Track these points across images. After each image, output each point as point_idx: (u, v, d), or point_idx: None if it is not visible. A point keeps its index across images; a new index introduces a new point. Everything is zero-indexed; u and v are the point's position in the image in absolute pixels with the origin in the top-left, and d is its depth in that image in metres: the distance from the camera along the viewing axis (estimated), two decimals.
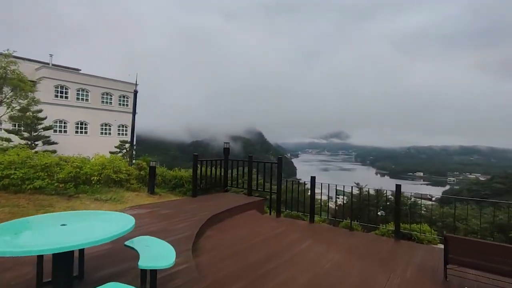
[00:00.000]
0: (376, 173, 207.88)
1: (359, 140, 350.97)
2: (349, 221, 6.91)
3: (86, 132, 40.48)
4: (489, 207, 29.86)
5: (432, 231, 6.57)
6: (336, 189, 7.47)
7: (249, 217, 6.91)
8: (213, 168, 8.69)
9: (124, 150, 37.83)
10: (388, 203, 28.59)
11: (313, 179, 7.11)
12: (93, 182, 8.12)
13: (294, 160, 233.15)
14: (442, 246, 6.29)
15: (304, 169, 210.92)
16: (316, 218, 7.64)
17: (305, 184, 8.42)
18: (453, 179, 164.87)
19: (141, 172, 9.42)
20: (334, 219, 7.27)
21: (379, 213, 30.15)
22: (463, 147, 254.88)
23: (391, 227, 6.62)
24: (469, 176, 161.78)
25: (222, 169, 9.06)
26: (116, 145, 36.16)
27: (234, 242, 5.18)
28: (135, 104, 19.21)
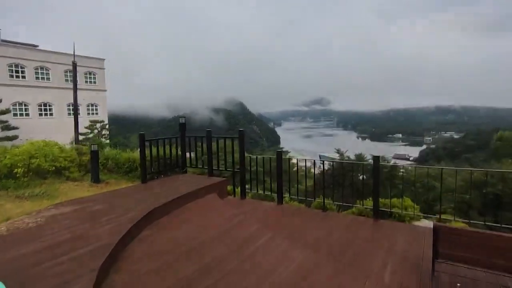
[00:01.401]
0: (357, 137, 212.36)
1: (340, 106, 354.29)
2: (322, 200, 5.98)
3: (51, 114, 37.49)
4: (466, 164, 30.70)
5: (415, 206, 5.77)
6: (313, 162, 6.47)
7: (205, 205, 5.83)
8: (168, 148, 7.44)
9: (96, 131, 35.48)
10: (368, 167, 28.71)
11: (279, 154, 6.02)
12: (18, 175, 6.72)
13: (277, 129, 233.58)
14: (426, 223, 5.53)
15: (288, 137, 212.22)
16: (287, 198, 6.70)
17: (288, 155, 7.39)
18: (430, 138, 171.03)
19: (83, 158, 8.03)
20: (305, 199, 6.32)
21: (361, 176, 30.27)
22: (438, 107, 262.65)
23: (369, 203, 5.77)
24: (444, 134, 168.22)
25: (180, 148, 7.82)
26: (86, 126, 33.80)
27: (174, 244, 4.10)
28: (76, 78, 17.26)
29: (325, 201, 5.93)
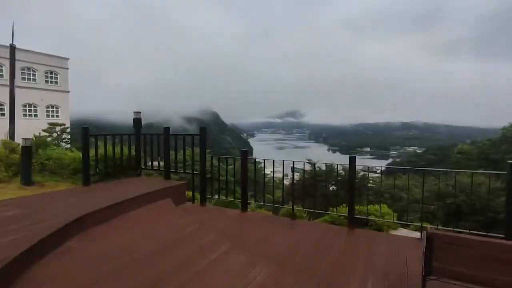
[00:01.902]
0: (328, 150, 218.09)
1: (312, 119, 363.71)
2: (291, 207, 5.29)
3: (3, 115, 34.12)
4: (431, 176, 31.94)
5: (392, 213, 5.26)
6: (282, 167, 5.80)
7: (155, 211, 4.91)
8: (120, 146, 6.42)
9: (55, 134, 32.65)
10: (339, 178, 28.82)
11: (244, 154, 5.29)
12: None
13: (250, 140, 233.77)
14: (404, 232, 5.02)
15: (261, 148, 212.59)
16: (253, 205, 5.94)
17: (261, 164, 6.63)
18: (395, 152, 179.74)
19: (14, 156, 6.75)
20: (272, 205, 5.60)
21: (331, 188, 30.32)
22: (403, 122, 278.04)
23: (343, 210, 5.18)
24: (408, 149, 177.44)
25: (134, 148, 6.82)
26: (44, 129, 31.08)
27: (103, 259, 3.17)
28: (13, 64, 15.63)
29: (295, 208, 5.25)
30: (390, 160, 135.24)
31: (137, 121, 6.70)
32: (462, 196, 19.47)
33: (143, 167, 6.67)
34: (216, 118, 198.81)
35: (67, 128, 37.01)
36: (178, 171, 6.15)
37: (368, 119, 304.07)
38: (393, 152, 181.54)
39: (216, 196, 5.85)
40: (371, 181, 29.08)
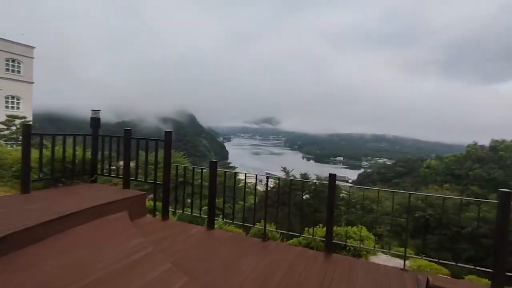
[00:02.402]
0: (303, 157, 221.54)
1: (288, 126, 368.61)
2: (263, 226, 4.76)
3: None
4: (401, 189, 33.10)
5: (372, 237, 4.89)
6: (255, 176, 5.26)
7: (104, 228, 4.17)
8: (72, 148, 5.57)
9: (14, 128, 29.94)
10: (313, 188, 28.82)
11: (213, 164, 4.69)
12: None
13: (226, 144, 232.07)
14: (384, 259, 4.65)
15: (237, 152, 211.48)
16: (221, 221, 5.32)
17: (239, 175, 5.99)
18: (367, 163, 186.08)
19: None
20: (242, 224, 5.04)
21: (304, 196, 30.10)
22: (374, 135, 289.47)
23: (320, 232, 4.73)
24: (379, 160, 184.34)
25: (90, 150, 5.98)
26: (1, 121, 28.62)
27: None
28: None
29: (267, 227, 4.72)
30: (361, 170, 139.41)
31: (95, 120, 5.88)
32: (430, 210, 20.06)
33: (99, 173, 5.85)
34: (192, 120, 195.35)
35: (29, 121, 34.42)
36: (138, 179, 5.41)
37: (341, 130, 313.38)
38: (364, 163, 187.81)
39: (181, 210, 5.19)
40: (343, 192, 29.45)
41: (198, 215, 4.96)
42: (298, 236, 4.91)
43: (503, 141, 30.45)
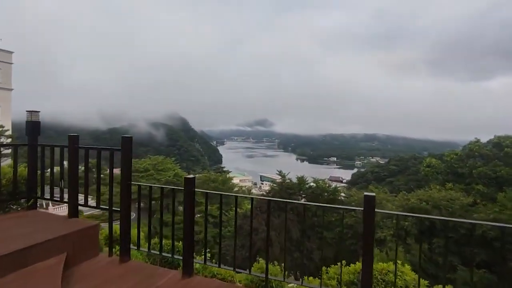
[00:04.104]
0: (297, 159, 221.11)
1: (281, 128, 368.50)
2: (264, 263, 3.32)
3: None
4: (401, 191, 32.15)
5: (419, 280, 3.48)
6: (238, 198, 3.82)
7: (31, 280, 2.71)
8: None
9: None
10: (311, 191, 27.57)
11: (189, 182, 3.21)
12: None
13: (220, 148, 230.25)
14: None
15: (230, 156, 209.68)
16: (204, 262, 3.84)
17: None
18: (360, 162, 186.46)
19: None
20: (233, 269, 3.57)
21: (301, 200, 28.64)
22: (366, 134, 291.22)
23: (347, 272, 3.30)
24: (372, 160, 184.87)
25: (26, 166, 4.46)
26: None
27: None
28: None
29: (272, 269, 3.29)
30: (355, 170, 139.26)
31: (32, 126, 4.34)
32: (435, 212, 18.96)
33: (39, 196, 4.32)
34: (185, 124, 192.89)
35: (6, 131, 32.24)
36: (89, 204, 3.93)
37: (334, 130, 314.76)
38: (358, 163, 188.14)
39: (148, 245, 3.72)
40: (342, 195, 28.26)
41: (169, 256, 3.49)
42: (318, 277, 3.50)
43: (508, 136, 29.59)
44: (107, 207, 3.67)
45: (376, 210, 2.65)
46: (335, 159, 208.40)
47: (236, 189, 47.70)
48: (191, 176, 3.19)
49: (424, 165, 38.00)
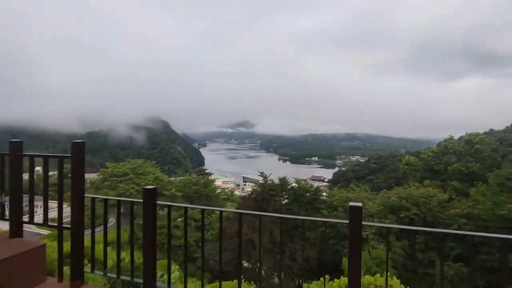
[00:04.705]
0: (279, 159, 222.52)
1: (263, 129, 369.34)
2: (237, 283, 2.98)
3: None
4: (382, 189, 32.81)
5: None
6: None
7: None
8: None
9: None
10: (293, 191, 27.47)
11: (149, 194, 2.81)
12: None
13: (202, 150, 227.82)
14: None
15: (213, 158, 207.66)
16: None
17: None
18: (341, 161, 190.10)
19: None
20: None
21: (284, 201, 28.49)
22: (347, 133, 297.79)
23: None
24: (352, 158, 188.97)
25: None
26: None
27: None
28: None
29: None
30: (336, 169, 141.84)
31: None
32: (414, 209, 19.36)
33: None
34: (166, 127, 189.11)
35: None
36: (36, 221, 3.44)
37: (315, 130, 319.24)
38: (339, 162, 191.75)
39: (104, 268, 3.28)
40: (324, 195, 28.37)
41: (129, 279, 3.05)
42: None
43: (478, 134, 31.08)
44: (56, 225, 3.20)
45: (363, 223, 2.36)
46: (316, 158, 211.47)
47: (218, 191, 47.00)
48: (151, 186, 2.79)
49: (403, 163, 39.08)
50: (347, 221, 2.35)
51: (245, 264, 22.96)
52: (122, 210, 3.08)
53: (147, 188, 2.76)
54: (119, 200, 3.06)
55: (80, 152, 3.13)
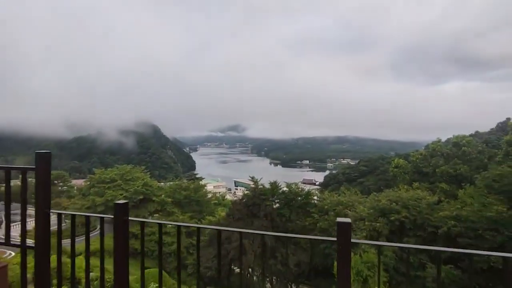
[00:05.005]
0: (270, 163, 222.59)
1: (254, 133, 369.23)
2: None
3: None
4: (372, 192, 32.96)
5: None
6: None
7: None
8: None
9: None
10: (284, 196, 27.32)
11: (121, 208, 2.56)
12: None
13: (193, 154, 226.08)
14: None
15: (204, 162, 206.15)
16: None
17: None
18: (331, 164, 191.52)
19: None
20: None
21: (275, 206, 28.30)
22: (337, 136, 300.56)
23: None
24: (343, 161, 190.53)
25: None
26: None
27: None
28: None
29: None
30: (327, 172, 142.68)
31: None
32: (404, 212, 19.41)
33: None
34: (156, 131, 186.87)
35: None
36: None
37: (306, 133, 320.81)
38: (329, 165, 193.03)
39: None
40: (315, 198, 28.30)
41: None
42: None
43: (465, 136, 31.71)
44: (19, 243, 2.91)
45: (352, 240, 2.15)
46: (307, 162, 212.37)
47: (209, 196, 46.42)
48: (122, 201, 2.55)
49: (393, 165, 39.49)
50: (335, 239, 2.14)
51: (237, 270, 22.64)
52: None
53: (118, 203, 2.52)
54: (87, 216, 2.80)
55: (46, 164, 2.87)
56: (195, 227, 2.42)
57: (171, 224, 2.73)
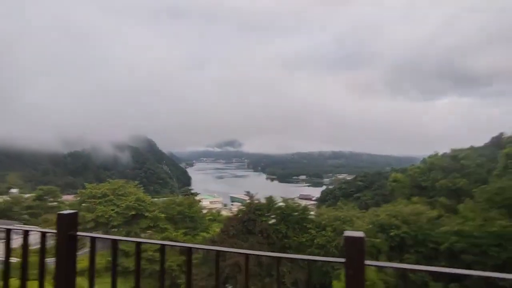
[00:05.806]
0: (267, 178, 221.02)
1: (251, 148, 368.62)
2: None
3: None
4: (369, 206, 32.36)
5: None
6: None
7: None
8: None
9: None
10: (280, 211, 26.57)
11: (65, 219, 2.05)
12: None
13: (189, 169, 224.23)
14: None
15: (200, 177, 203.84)
16: None
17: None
18: (328, 179, 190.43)
19: None
20: None
21: (271, 222, 27.45)
22: (333, 152, 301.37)
23: None
24: (339, 176, 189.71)
25: None
26: None
27: None
28: None
29: None
30: (324, 187, 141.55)
31: None
32: (404, 227, 18.73)
33: None
34: (152, 146, 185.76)
35: None
36: None
37: (302, 149, 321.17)
38: (326, 180, 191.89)
39: None
40: (312, 213, 27.56)
41: None
42: None
43: (462, 149, 31.54)
44: None
45: (366, 262, 1.51)
46: (304, 177, 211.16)
47: (204, 211, 45.29)
48: (68, 211, 2.00)
49: (391, 180, 39.06)
50: (343, 260, 1.55)
51: None
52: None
53: (62, 214, 1.97)
54: (26, 231, 2.23)
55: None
56: (159, 244, 1.87)
57: (127, 240, 2.25)
